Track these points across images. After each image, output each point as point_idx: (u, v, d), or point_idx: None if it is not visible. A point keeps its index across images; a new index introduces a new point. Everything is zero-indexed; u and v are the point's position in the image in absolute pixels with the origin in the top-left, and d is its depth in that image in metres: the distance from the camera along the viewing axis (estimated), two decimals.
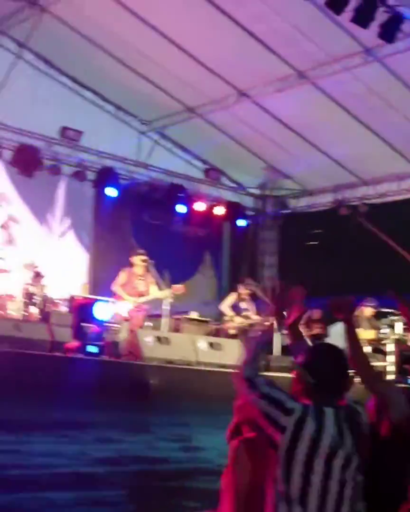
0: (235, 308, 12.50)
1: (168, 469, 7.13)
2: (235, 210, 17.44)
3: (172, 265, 15.10)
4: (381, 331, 12.49)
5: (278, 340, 13.11)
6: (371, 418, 3.34)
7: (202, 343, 10.88)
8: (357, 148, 14.58)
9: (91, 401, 7.07)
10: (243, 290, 12.63)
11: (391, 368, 11.87)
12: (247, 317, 12.42)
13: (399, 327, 12.28)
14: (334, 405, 3.15)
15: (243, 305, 12.52)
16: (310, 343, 4.07)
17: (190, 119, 15.60)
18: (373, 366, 3.81)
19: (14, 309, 12.07)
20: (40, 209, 15.26)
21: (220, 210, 17.11)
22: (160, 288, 11.41)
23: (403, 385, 7.44)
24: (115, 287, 11.22)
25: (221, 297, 13.88)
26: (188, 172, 16.95)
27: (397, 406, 3.32)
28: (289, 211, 17.86)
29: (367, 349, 11.43)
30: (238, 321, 12.38)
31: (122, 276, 11.23)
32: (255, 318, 12.61)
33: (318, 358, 3.29)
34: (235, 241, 18.22)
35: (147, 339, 10.14)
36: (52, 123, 14.60)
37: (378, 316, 12.86)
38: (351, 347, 3.52)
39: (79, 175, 15.17)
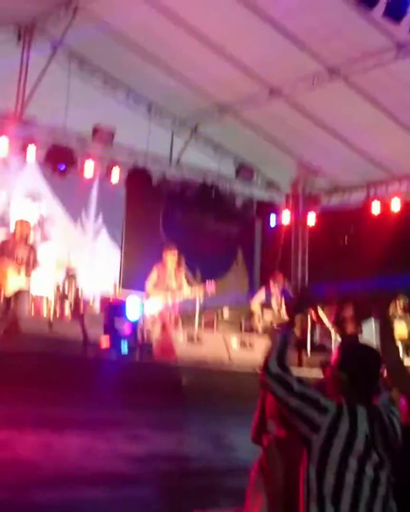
0: (265, 305, 12.45)
1: (200, 468, 7.16)
2: (267, 207, 17.42)
3: (205, 262, 15.19)
4: None
5: (309, 337, 13.12)
6: (404, 418, 3.33)
7: (234, 341, 10.87)
8: (389, 144, 14.48)
9: (123, 400, 7.11)
10: (273, 287, 12.58)
11: None
12: (277, 314, 12.39)
13: None
14: (367, 404, 3.14)
15: (273, 302, 12.48)
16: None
17: (223, 117, 15.59)
18: (405, 365, 3.77)
19: (48, 309, 12.19)
20: (74, 208, 15.38)
21: (252, 208, 17.09)
22: (192, 286, 11.42)
23: None
24: (148, 285, 11.25)
25: (253, 294, 13.85)
26: (221, 170, 16.94)
27: None
28: (321, 209, 17.76)
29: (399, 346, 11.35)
30: (267, 318, 12.33)
31: (154, 274, 11.27)
32: (285, 315, 12.60)
33: (351, 357, 3.27)
34: (266, 239, 18.19)
35: (180, 337, 10.16)
36: (85, 122, 14.65)
37: None
38: (384, 346, 3.51)
39: (112, 174, 15.23)
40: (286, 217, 17.53)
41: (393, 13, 10.19)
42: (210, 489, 7.13)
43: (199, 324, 12.04)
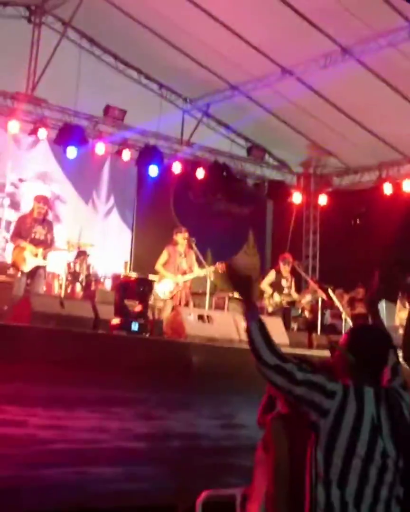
0: (275, 285, 12.44)
1: (210, 446, 7.21)
2: (278, 188, 17.38)
3: (216, 243, 15.20)
4: None
5: (319, 319, 13.14)
6: None
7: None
8: (402, 125, 14.38)
9: (133, 378, 7.15)
10: (283, 267, 12.56)
11: None
12: (287, 295, 12.39)
13: None
14: (375, 386, 3.13)
15: (283, 282, 12.46)
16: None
17: (234, 97, 15.54)
18: None
19: (59, 287, 12.25)
20: (85, 188, 15.40)
21: (263, 188, 17.06)
22: (202, 266, 11.43)
23: None
24: (158, 265, 11.27)
25: (264, 275, 13.87)
26: (232, 150, 16.92)
27: None
28: (332, 189, 17.72)
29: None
30: (277, 298, 12.33)
31: (164, 255, 11.27)
32: (295, 295, 12.58)
33: (359, 337, 3.27)
34: (278, 219, 18.18)
35: (190, 317, 10.17)
36: (96, 101, 14.66)
37: None
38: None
39: (123, 154, 15.22)
40: (297, 197, 17.50)
41: None
42: (220, 467, 7.19)
43: (210, 304, 12.06)
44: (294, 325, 12.89)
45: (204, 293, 11.87)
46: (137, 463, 6.55)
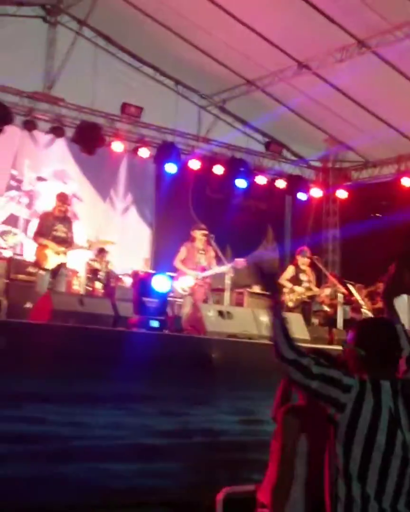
0: (294, 279, 12.37)
1: (231, 441, 7.21)
2: (296, 183, 17.32)
3: (235, 239, 15.17)
4: None
5: (341, 314, 13.07)
6: None
7: (264, 317, 10.83)
8: None
9: (153, 375, 7.16)
10: (301, 261, 12.48)
11: None
12: (307, 289, 12.30)
13: None
14: (390, 378, 3.12)
15: (302, 276, 12.38)
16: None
17: (251, 92, 15.52)
18: None
19: (79, 285, 12.29)
20: (103, 186, 15.43)
21: (281, 184, 17.01)
22: (221, 262, 11.41)
23: None
24: (177, 262, 11.27)
25: (283, 270, 13.83)
26: (249, 146, 16.89)
27: None
28: (351, 183, 17.64)
29: None
30: (298, 293, 12.26)
31: (183, 251, 11.27)
32: (315, 289, 12.51)
33: (367, 331, 3.27)
34: (297, 215, 18.13)
35: (210, 313, 10.15)
36: (112, 99, 14.69)
37: None
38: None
39: (140, 151, 15.23)
40: (316, 192, 17.44)
41: None
42: (241, 463, 7.18)
43: (230, 300, 12.03)
44: (315, 320, 12.84)
45: (223, 289, 11.84)
46: (158, 459, 6.56)
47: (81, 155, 14.59)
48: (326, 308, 13.48)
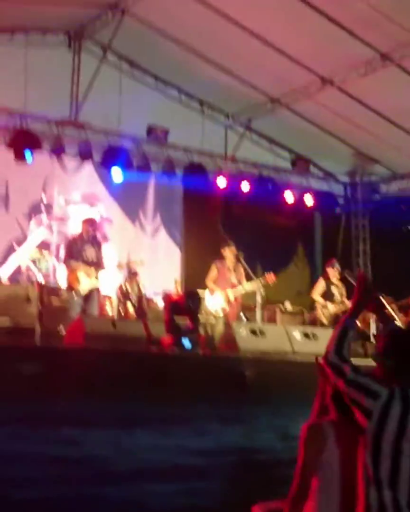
0: (326, 294, 12.32)
1: (266, 459, 7.16)
2: (325, 199, 17.28)
3: (265, 257, 15.18)
4: None
5: (373, 327, 12.98)
6: None
7: (297, 333, 10.83)
8: None
9: (187, 395, 7.16)
10: (332, 275, 12.43)
11: None
12: (340, 303, 12.24)
13: None
14: None
15: (334, 289, 12.33)
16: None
17: (275, 109, 15.56)
18: None
19: (111, 308, 12.37)
20: (132, 208, 15.55)
21: (310, 200, 16.98)
22: (252, 280, 11.42)
23: None
24: (208, 281, 11.31)
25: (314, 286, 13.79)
26: (276, 163, 16.90)
27: None
28: (381, 196, 17.57)
29: None
30: (331, 308, 12.21)
31: (213, 270, 11.31)
32: (347, 302, 12.45)
33: (395, 341, 3.30)
34: (326, 230, 18.09)
35: (242, 331, 10.18)
36: (139, 122, 14.79)
37: None
38: None
39: (168, 173, 15.32)
40: (345, 207, 17.39)
41: None
42: (278, 481, 7.13)
43: (262, 317, 12.03)
44: None
45: (255, 307, 11.85)
46: (195, 479, 6.54)
47: (109, 178, 14.71)
48: (358, 322, 13.39)
